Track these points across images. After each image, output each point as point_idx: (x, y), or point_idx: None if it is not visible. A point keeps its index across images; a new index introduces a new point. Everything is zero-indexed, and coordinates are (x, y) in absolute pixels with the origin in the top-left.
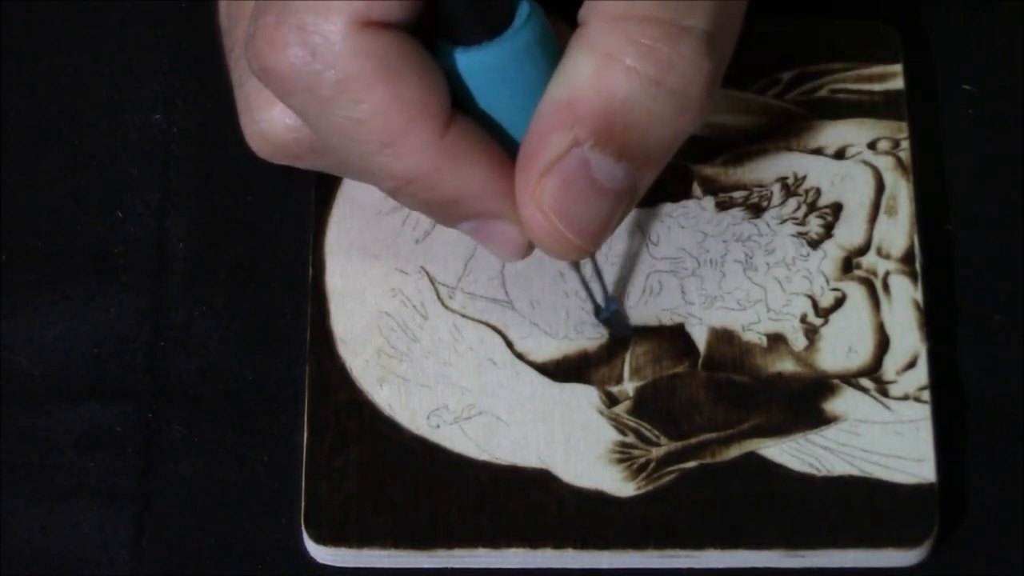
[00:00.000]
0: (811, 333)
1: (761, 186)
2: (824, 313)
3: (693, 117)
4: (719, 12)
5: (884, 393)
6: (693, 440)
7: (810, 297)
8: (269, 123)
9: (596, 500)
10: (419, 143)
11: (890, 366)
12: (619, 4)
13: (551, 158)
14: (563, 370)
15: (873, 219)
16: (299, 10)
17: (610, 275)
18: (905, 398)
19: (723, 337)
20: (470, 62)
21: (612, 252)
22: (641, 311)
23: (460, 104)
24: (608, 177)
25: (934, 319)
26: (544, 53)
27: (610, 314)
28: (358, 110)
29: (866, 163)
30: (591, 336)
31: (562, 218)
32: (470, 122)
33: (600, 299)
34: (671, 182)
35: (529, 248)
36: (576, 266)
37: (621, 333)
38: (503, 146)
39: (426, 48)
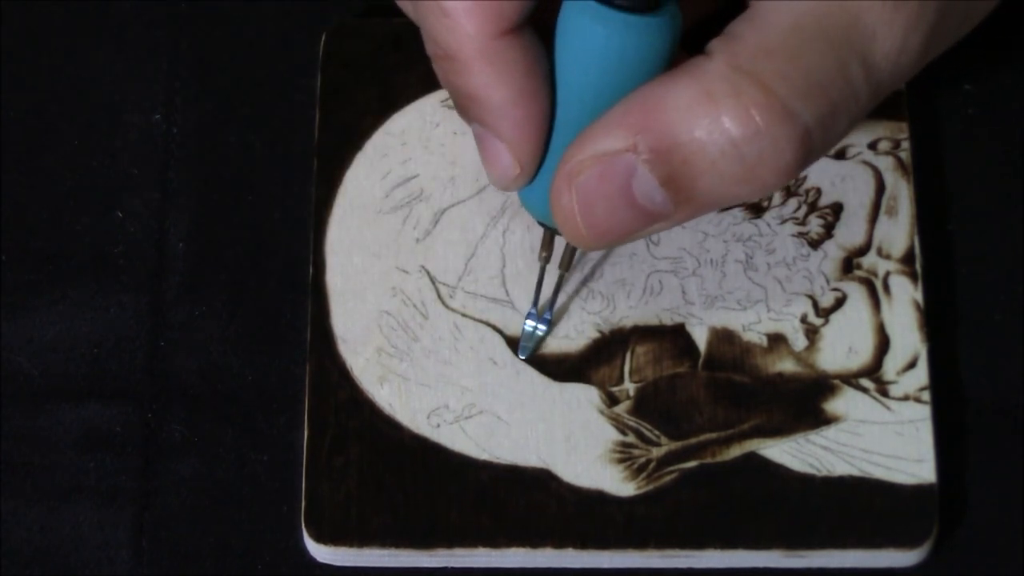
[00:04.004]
0: (811, 333)
1: None
2: (824, 313)
3: (752, 191)
4: (831, 114)
5: (884, 393)
6: (693, 440)
7: (810, 297)
8: None
9: (596, 500)
10: (472, 29)
11: (890, 366)
12: (747, 56)
13: (603, 150)
14: (563, 370)
15: (873, 219)
16: None
17: (611, 275)
18: (905, 398)
19: (723, 337)
20: (612, 22)
21: (613, 251)
22: (641, 311)
23: (561, 55)
24: (644, 195)
25: (934, 319)
26: (666, 52)
27: (534, 325)
28: None
29: (866, 163)
30: (591, 336)
31: (582, 207)
32: (532, 48)
33: (540, 306)
34: None
35: (512, 185)
36: (545, 264)
37: (523, 346)
38: (563, 110)
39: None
